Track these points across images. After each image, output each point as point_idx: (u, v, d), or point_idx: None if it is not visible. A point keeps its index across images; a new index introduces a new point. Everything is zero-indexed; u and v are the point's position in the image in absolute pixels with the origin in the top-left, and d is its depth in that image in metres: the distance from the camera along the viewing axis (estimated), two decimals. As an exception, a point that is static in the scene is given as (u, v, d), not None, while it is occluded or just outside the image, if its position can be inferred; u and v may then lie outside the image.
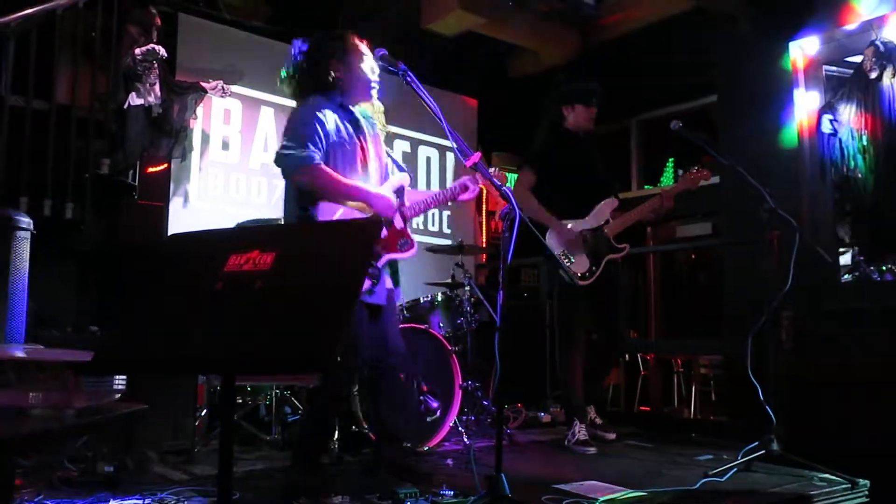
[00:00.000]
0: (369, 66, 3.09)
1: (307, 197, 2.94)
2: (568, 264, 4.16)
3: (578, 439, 4.11)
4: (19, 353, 1.41)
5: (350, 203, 2.96)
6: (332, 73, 3.03)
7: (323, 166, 2.90)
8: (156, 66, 4.64)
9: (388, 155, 3.32)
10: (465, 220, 7.00)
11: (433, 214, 6.70)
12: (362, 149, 3.10)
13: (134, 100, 4.58)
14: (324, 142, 2.93)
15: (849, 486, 3.20)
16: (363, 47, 3.10)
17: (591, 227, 4.27)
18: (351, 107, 3.14)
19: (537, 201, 4.26)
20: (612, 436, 4.31)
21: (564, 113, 4.49)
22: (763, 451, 3.49)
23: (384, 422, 3.29)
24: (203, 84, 5.02)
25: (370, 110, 3.37)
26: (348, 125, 3.07)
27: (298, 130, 2.94)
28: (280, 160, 2.92)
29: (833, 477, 3.27)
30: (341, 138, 3.00)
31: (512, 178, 3.22)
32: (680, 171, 4.34)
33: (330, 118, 2.99)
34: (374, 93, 3.15)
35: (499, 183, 2.91)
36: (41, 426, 1.30)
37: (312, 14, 5.87)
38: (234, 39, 5.63)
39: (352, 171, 3.01)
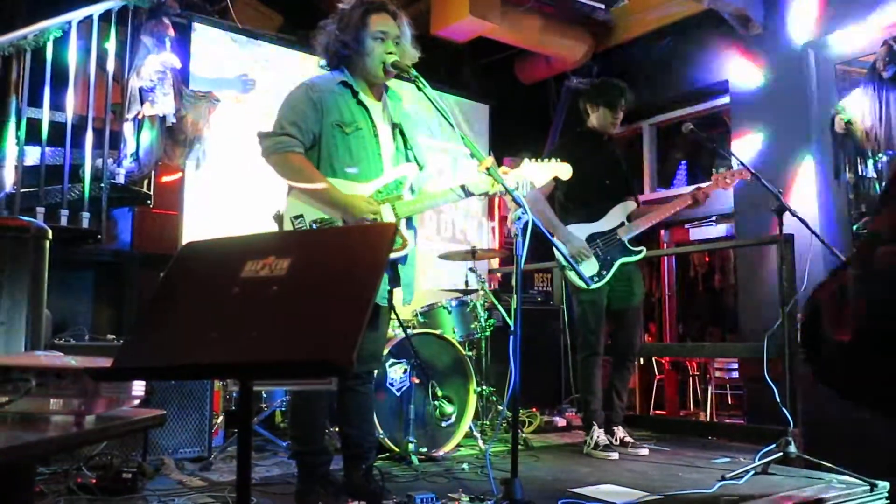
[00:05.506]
0: (380, 40, 2.82)
1: (287, 190, 2.84)
2: (573, 269, 4.06)
3: (598, 444, 4.09)
4: (40, 360, 1.43)
5: (315, 204, 2.77)
6: (340, 48, 2.86)
7: (294, 156, 2.78)
8: (170, 76, 4.68)
9: (406, 143, 3.02)
10: (477, 224, 7.01)
11: (446, 221, 6.70)
12: (374, 134, 2.88)
13: (148, 110, 4.61)
14: (314, 125, 2.80)
15: (868, 488, 3.18)
16: (379, 19, 2.84)
17: (604, 231, 4.19)
18: (359, 86, 2.90)
19: (547, 206, 4.18)
20: (645, 451, 4.16)
21: (589, 112, 4.32)
22: (780, 454, 3.48)
23: (347, 436, 2.93)
24: (216, 93, 5.06)
25: (399, 93, 3.09)
26: (353, 107, 2.87)
27: (282, 113, 2.84)
28: (258, 139, 2.85)
29: (852, 479, 3.26)
30: (341, 122, 2.82)
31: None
32: (714, 171, 4.17)
33: (328, 99, 2.83)
34: (380, 70, 2.83)
35: (511, 187, 2.84)
36: (61, 432, 1.31)
37: (324, 23, 5.91)
38: (246, 49, 5.69)
39: (350, 158, 2.82)
